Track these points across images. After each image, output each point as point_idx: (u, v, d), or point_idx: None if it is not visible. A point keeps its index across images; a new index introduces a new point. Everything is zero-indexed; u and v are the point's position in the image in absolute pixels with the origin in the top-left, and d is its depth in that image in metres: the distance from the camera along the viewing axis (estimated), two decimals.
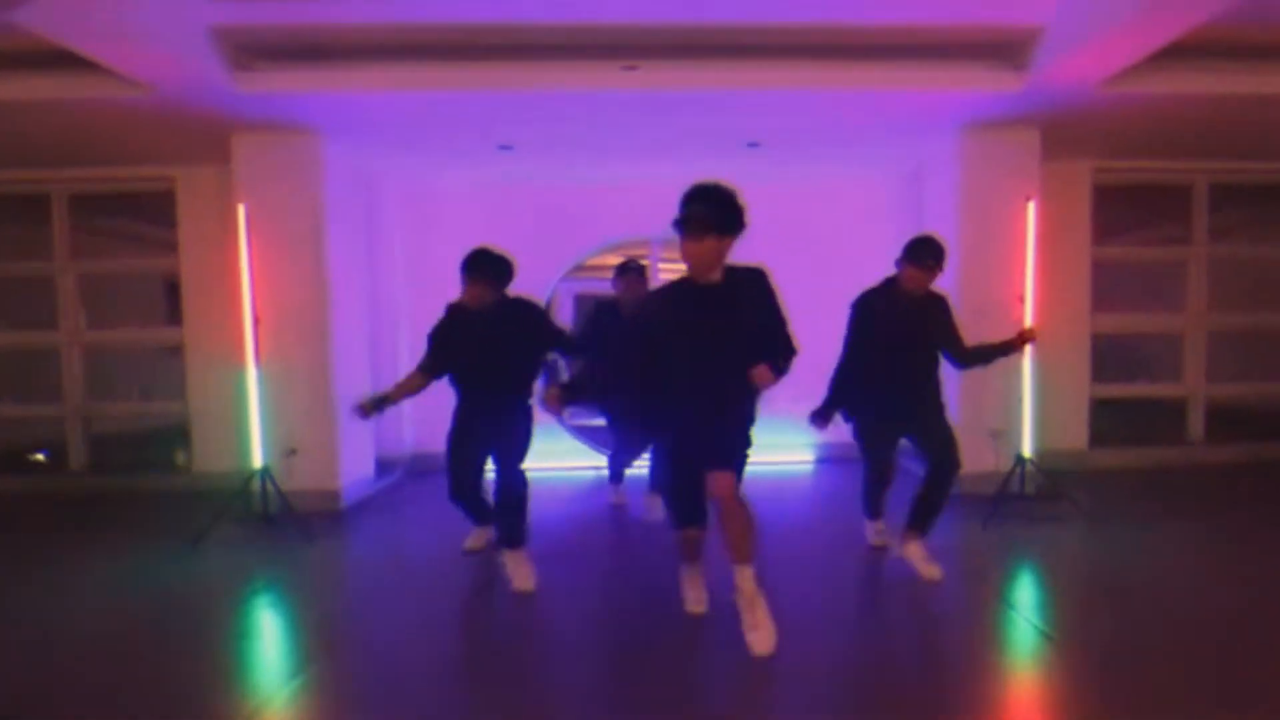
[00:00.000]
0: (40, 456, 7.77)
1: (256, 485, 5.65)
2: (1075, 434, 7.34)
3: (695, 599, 3.93)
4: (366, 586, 4.57)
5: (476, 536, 5.01)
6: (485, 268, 4.36)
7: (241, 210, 5.76)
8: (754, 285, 3.48)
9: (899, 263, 4.41)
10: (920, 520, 4.41)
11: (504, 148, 6.77)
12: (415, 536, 5.56)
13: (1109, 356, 7.69)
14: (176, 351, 7.15)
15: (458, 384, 4.53)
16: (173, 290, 7.26)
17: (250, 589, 4.47)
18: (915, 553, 4.41)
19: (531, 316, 4.52)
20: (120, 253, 7.76)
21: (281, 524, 5.54)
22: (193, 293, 7.03)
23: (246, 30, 4.84)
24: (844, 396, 4.51)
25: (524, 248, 6.87)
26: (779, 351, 3.46)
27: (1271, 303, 7.86)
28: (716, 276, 3.43)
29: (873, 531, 4.96)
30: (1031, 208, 5.89)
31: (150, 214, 7.31)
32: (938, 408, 4.43)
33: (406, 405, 6.47)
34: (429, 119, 5.97)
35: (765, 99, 5.53)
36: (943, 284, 4.50)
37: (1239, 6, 4.36)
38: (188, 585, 4.55)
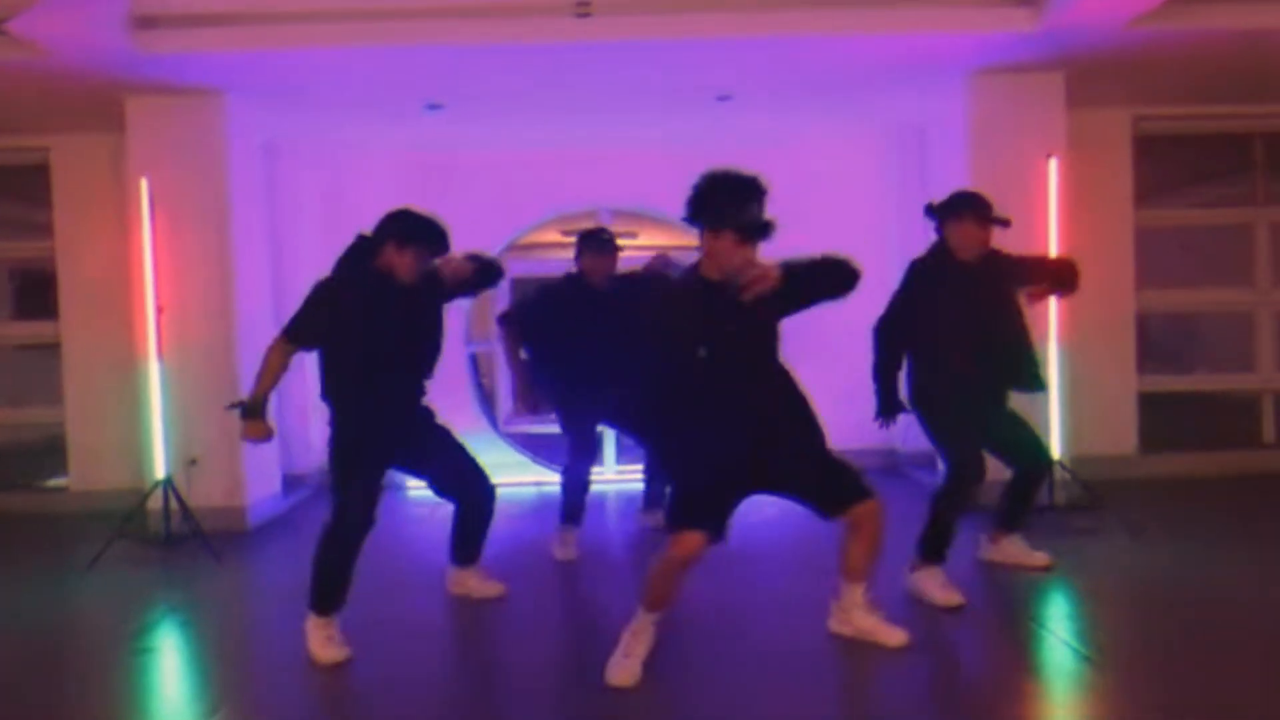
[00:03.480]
0: None
1: (157, 500, 4.91)
2: (1121, 436, 6.10)
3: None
4: (283, 618, 3.89)
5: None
6: (429, 231, 3.55)
7: (144, 185, 5.10)
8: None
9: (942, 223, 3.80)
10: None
11: (433, 107, 5.86)
12: None
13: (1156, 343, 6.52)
14: (51, 350, 6.12)
15: (366, 378, 3.60)
16: (30, 282, 6.28)
17: (150, 621, 3.97)
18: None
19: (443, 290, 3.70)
20: None
21: (185, 545, 4.80)
22: (71, 282, 6.01)
23: None
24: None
25: (455, 222, 5.96)
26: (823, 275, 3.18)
27: None
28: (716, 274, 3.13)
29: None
30: (1053, 166, 4.98)
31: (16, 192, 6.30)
32: None
33: (314, 415, 5.70)
34: (348, 76, 5.20)
35: (738, 47, 4.73)
36: None
37: None
38: (73, 617, 4.13)
